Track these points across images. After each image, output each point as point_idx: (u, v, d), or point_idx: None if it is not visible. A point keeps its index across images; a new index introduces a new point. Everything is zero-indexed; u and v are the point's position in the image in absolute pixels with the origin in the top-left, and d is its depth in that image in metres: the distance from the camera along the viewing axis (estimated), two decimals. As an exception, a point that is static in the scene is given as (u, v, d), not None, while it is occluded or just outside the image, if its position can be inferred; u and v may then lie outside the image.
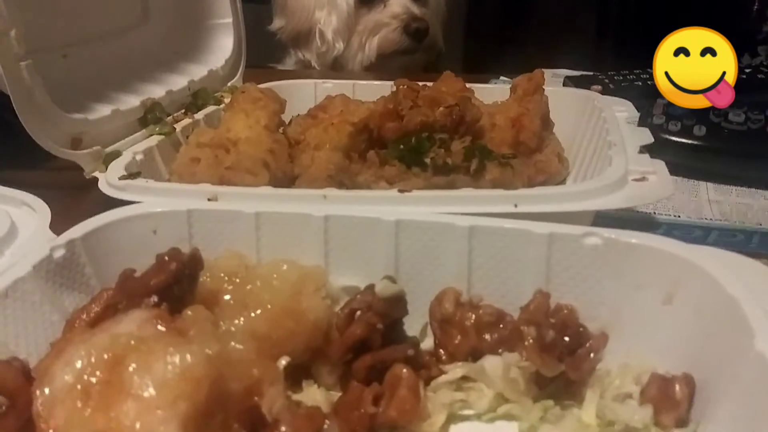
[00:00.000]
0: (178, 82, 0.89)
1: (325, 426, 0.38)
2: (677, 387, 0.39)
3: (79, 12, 0.83)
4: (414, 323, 0.50)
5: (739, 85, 1.12)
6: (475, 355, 0.47)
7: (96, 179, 0.67)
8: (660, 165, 0.59)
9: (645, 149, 0.65)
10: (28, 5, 0.68)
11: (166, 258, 0.43)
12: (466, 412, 0.45)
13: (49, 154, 0.69)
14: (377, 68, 1.15)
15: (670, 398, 0.39)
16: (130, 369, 0.36)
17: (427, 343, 0.50)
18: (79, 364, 0.37)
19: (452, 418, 0.44)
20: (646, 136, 0.68)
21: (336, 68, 1.21)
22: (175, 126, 0.80)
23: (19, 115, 0.62)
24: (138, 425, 0.35)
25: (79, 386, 0.36)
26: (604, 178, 0.57)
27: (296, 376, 0.47)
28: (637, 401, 0.41)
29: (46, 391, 0.37)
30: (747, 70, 1.16)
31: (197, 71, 0.94)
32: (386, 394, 0.42)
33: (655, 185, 0.56)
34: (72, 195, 0.70)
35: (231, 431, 0.38)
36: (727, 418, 0.36)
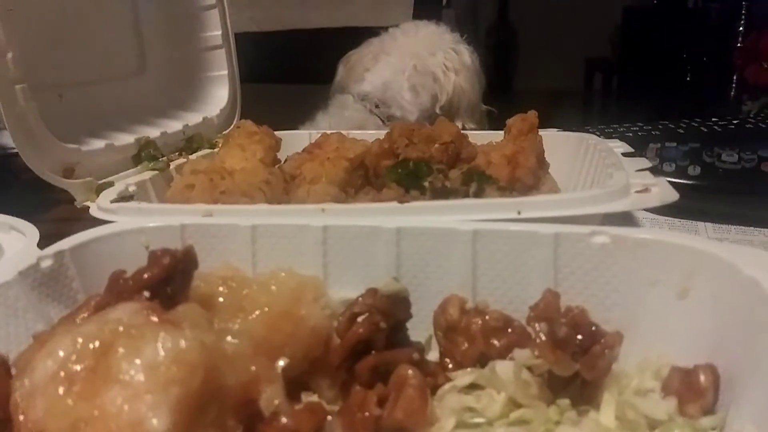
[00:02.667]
0: (173, 126, 0.89)
1: (328, 419, 0.35)
2: (701, 375, 0.37)
3: (76, 56, 0.84)
4: (418, 336, 0.48)
5: (730, 134, 1.14)
6: (483, 362, 0.44)
7: (87, 208, 0.66)
8: (661, 179, 0.59)
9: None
10: (26, 37, 0.69)
11: (159, 253, 0.41)
12: (477, 419, 0.42)
13: (43, 197, 0.68)
14: None
15: (694, 387, 0.37)
16: (118, 354, 0.34)
17: (432, 357, 0.47)
18: (62, 353, 0.34)
19: (462, 425, 0.41)
20: (644, 163, 0.68)
21: None
22: (169, 163, 0.79)
23: (12, 138, 0.61)
24: (125, 412, 0.32)
25: (62, 373, 0.33)
26: (607, 187, 0.56)
27: (295, 390, 0.44)
28: (659, 396, 0.39)
29: (26, 382, 0.34)
30: (735, 122, 1.18)
31: (192, 118, 0.94)
32: (392, 396, 0.39)
33: (658, 193, 0.55)
34: (62, 224, 0.68)
35: (225, 428, 0.35)
36: (758, 399, 0.34)
